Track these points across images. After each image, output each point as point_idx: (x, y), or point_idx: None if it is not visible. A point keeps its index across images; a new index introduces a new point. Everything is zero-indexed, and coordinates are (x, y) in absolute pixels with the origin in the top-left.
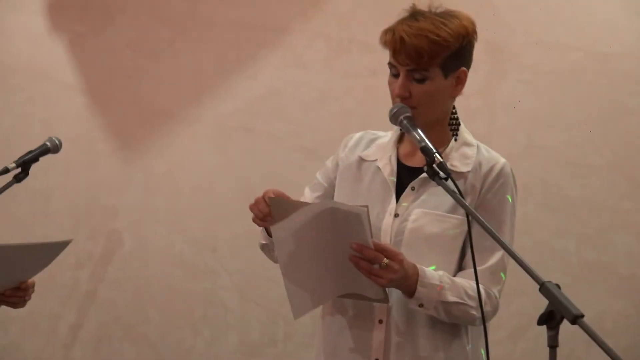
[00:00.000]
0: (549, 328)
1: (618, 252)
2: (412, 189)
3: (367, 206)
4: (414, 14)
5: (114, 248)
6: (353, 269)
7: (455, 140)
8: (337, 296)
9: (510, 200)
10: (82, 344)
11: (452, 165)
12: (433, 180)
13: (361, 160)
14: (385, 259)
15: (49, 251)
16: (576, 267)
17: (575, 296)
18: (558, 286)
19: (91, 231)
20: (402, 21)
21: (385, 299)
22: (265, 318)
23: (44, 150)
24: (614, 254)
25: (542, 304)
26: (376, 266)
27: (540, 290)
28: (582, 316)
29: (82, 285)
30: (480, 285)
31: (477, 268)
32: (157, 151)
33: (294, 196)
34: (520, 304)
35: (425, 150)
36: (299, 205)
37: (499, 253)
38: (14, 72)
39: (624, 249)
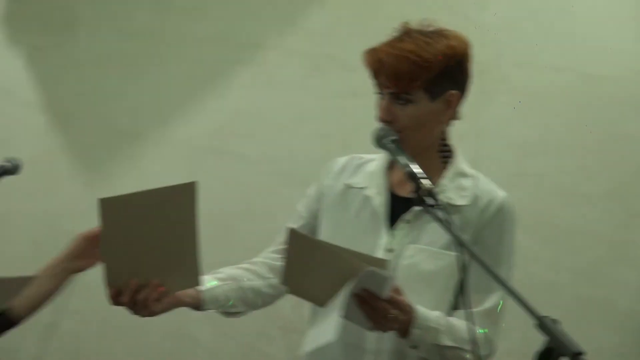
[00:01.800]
0: None
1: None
2: (407, 222)
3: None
4: (402, 34)
5: (76, 277)
6: None
7: (448, 169)
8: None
9: (509, 238)
10: None
11: (447, 197)
12: (419, 206)
13: (347, 187)
14: (393, 310)
15: (14, 286)
16: (570, 302)
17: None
18: (556, 322)
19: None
20: (387, 41)
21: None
22: (237, 350)
23: (2, 172)
24: (610, 288)
25: (533, 339)
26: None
27: (537, 326)
28: (583, 353)
29: (43, 316)
30: (478, 328)
31: (475, 309)
32: (122, 174)
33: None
34: (511, 341)
35: (410, 175)
36: (322, 246)
37: (498, 294)
38: None
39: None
